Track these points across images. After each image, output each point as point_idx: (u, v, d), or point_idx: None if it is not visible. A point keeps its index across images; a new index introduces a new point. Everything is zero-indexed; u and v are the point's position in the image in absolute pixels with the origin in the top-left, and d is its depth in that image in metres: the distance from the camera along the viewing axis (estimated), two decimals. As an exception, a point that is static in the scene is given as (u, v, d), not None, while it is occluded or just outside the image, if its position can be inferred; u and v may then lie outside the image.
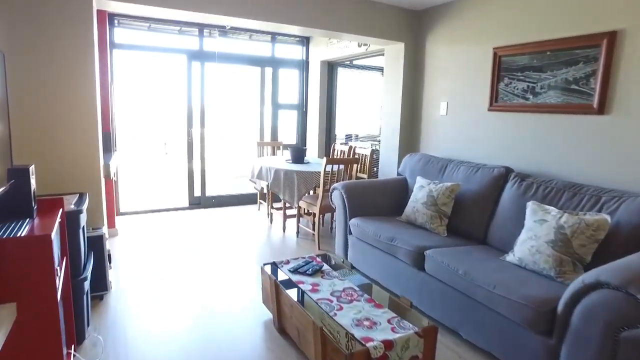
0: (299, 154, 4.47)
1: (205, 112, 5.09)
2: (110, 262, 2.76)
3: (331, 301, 2.07)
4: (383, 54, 4.20)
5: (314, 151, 5.59)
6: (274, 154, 5.37)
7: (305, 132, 5.80)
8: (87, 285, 2.16)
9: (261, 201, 5.32)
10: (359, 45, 4.46)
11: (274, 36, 5.34)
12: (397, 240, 2.76)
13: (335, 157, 5.01)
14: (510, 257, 2.41)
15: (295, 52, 5.57)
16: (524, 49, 2.91)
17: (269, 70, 5.43)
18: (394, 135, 4.01)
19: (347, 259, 3.38)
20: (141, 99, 6.18)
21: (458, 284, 2.29)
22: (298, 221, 4.23)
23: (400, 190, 3.57)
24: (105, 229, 2.79)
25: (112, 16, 4.43)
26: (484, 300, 2.12)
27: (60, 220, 1.74)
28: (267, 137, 5.67)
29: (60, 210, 1.78)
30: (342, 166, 3.91)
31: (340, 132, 5.48)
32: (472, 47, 3.33)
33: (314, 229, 4.13)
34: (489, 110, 3.22)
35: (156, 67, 5.68)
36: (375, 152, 4.53)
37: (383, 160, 4.23)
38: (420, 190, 3.14)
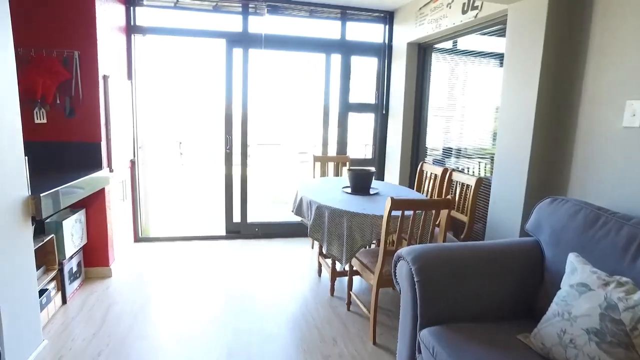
0: (362, 181, 2.98)
1: (248, 114, 3.90)
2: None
3: None
4: (503, 23, 2.48)
5: (394, 172, 4.02)
6: (337, 174, 3.95)
7: (384, 143, 4.25)
8: None
9: (315, 236, 3.94)
10: (464, 11, 2.78)
11: (344, 11, 3.90)
12: None
13: (424, 182, 3.41)
14: None
15: (374, 32, 4.06)
16: None
17: (336, 58, 4.01)
18: (519, 160, 2.28)
19: (413, 393, 1.81)
20: (169, 96, 5.24)
21: None
22: (349, 288, 2.74)
23: (526, 266, 1.88)
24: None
25: (130, -8, 3.47)
26: None
27: None
28: (333, 150, 4.26)
29: None
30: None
31: (435, 143, 3.80)
32: None
33: (368, 308, 2.62)
34: None
35: (187, 55, 4.64)
36: (486, 181, 2.82)
37: (496, 202, 2.51)
38: (582, 295, 1.44)
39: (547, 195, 2.20)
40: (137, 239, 3.85)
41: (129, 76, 3.53)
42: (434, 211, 2.28)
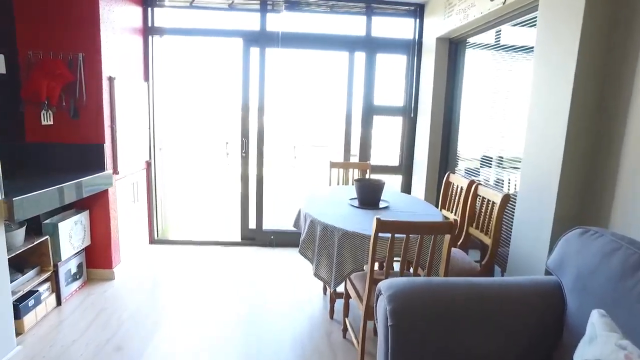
0: (368, 193, 2.65)
1: (265, 117, 3.71)
2: None
3: None
4: (534, 12, 2.02)
5: (422, 182, 3.61)
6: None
7: (412, 150, 3.86)
8: None
9: (331, 248, 3.65)
10: (493, -3, 2.34)
11: (369, 5, 3.57)
12: None
13: (449, 195, 3.00)
14: None
15: (402, 28, 3.67)
16: None
17: (360, 56, 3.69)
18: (548, 176, 1.83)
19: None
20: (192, 97, 5.18)
21: None
22: (345, 314, 2.44)
23: (542, 317, 1.47)
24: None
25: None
26: None
27: None
28: (356, 155, 3.95)
29: None
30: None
31: (468, 150, 3.34)
32: None
33: (358, 339, 2.30)
34: None
35: (208, 56, 4.52)
36: (515, 199, 2.36)
37: (520, 227, 2.06)
38: (594, 377, 1.03)
39: (580, 224, 1.73)
40: (153, 240, 3.84)
41: (146, 77, 3.50)
42: (434, 236, 1.90)
